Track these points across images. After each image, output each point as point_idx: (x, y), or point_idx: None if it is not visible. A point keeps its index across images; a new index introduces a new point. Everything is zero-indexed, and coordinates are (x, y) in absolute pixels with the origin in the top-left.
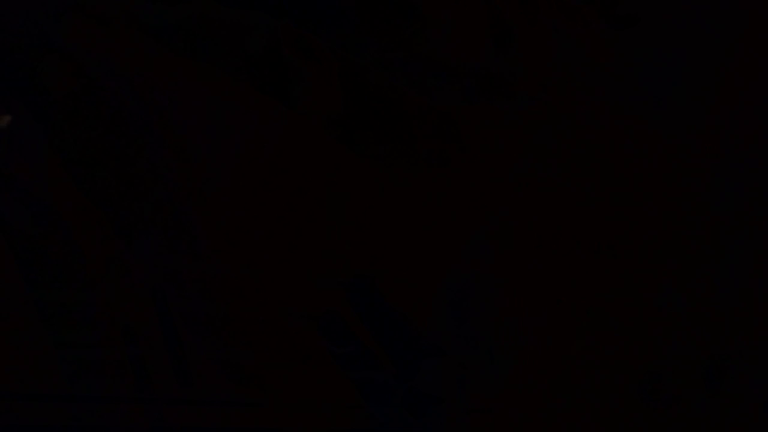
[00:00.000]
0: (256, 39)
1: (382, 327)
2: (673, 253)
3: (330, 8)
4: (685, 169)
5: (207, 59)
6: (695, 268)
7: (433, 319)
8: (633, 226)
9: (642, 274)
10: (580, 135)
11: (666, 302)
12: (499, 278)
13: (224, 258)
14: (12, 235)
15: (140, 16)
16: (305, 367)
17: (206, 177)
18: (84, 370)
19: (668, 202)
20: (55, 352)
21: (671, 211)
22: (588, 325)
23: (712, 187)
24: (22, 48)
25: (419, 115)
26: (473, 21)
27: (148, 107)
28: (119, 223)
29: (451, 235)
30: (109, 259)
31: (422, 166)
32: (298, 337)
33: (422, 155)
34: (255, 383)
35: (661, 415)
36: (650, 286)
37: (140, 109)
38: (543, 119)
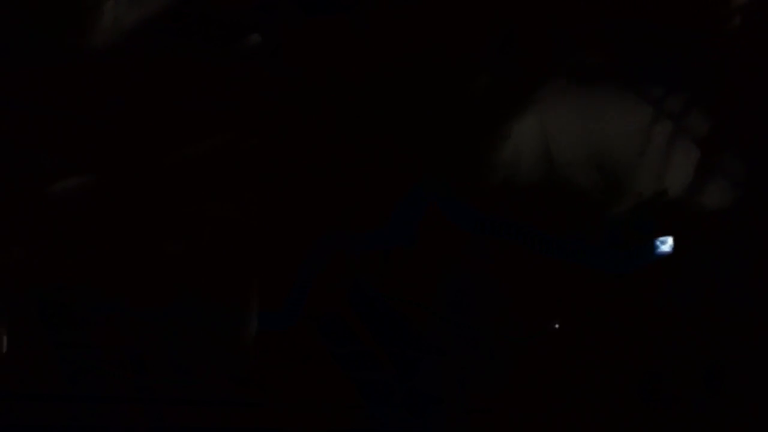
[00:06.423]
0: (256, 39)
1: (382, 327)
2: (673, 253)
3: (330, 8)
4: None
5: (207, 59)
6: (695, 269)
7: (433, 319)
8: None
9: (642, 275)
10: (579, 135)
11: (666, 302)
12: (499, 278)
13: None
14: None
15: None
16: (305, 367)
17: (205, 177)
18: (84, 370)
19: (668, 202)
20: (55, 352)
21: (671, 211)
22: (588, 325)
23: (712, 187)
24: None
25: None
26: (473, 21)
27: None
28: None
29: (451, 235)
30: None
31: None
32: (298, 337)
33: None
34: (255, 383)
35: (661, 415)
36: (650, 286)
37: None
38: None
